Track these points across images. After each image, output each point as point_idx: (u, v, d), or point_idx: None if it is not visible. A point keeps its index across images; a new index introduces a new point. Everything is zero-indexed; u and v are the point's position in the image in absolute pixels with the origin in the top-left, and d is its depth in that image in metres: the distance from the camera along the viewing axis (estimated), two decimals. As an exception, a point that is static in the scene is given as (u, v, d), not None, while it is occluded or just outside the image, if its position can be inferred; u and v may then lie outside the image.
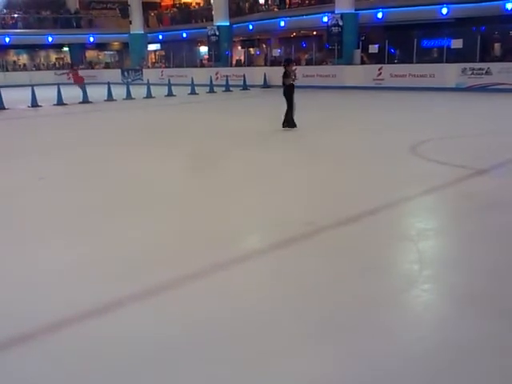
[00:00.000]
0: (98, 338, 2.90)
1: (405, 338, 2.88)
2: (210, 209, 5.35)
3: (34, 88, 18.20)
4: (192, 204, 5.57)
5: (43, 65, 36.08)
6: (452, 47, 19.46)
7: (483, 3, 19.75)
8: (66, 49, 37.43)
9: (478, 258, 3.94)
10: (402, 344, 2.82)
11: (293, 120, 10.32)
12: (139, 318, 3.12)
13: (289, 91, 10.28)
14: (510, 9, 19.25)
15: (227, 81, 23.49)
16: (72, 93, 19.60)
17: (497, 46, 21.36)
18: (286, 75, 10.34)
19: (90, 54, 37.97)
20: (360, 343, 2.80)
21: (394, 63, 21.51)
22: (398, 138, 9.25)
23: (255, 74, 24.80)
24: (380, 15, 22.70)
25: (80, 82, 20.13)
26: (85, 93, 18.77)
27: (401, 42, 21.98)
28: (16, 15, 32.66)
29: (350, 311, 3.15)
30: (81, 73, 22.36)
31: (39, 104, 17.76)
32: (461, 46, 18.94)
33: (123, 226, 4.88)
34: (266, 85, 24.11)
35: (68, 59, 37.04)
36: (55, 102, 18.11)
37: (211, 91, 22.57)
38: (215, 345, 2.81)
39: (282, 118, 10.37)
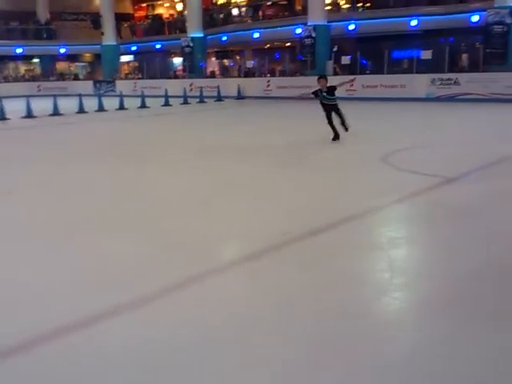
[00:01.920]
0: (75, 352, 2.81)
1: (376, 345, 2.85)
2: (183, 220, 5.28)
3: (2, 100, 17.85)
4: (169, 215, 5.50)
5: (12, 76, 35.47)
6: (422, 58, 19.83)
7: (451, 15, 20.25)
8: (36, 60, 36.93)
9: (449, 266, 3.96)
10: (373, 352, 2.79)
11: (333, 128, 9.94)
12: (115, 332, 3.03)
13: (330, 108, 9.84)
14: (475, 21, 19.73)
15: (201, 92, 23.47)
16: (42, 105, 19.29)
17: (464, 56, 21.87)
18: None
19: (61, 66, 37.51)
20: (333, 352, 2.77)
21: (366, 74, 21.79)
22: (370, 148, 9.33)
23: (229, 86, 24.83)
24: (352, 27, 23.02)
25: None
26: None
27: (372, 54, 22.30)
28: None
29: (323, 320, 3.12)
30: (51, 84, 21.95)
31: (7, 117, 17.39)
32: (430, 57, 19.33)
33: (99, 239, 4.77)
34: (240, 96, 24.17)
35: (38, 71, 36.53)
36: (24, 115, 17.77)
37: (185, 103, 22.51)
38: (187, 360, 2.74)
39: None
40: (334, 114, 9.96)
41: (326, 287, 3.59)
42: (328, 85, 10.06)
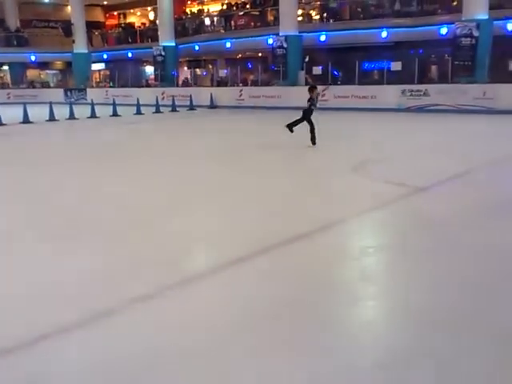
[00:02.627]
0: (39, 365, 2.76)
1: (347, 354, 2.88)
2: (152, 229, 5.25)
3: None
4: (142, 223, 5.45)
5: (-20, 84, 34.87)
6: (392, 69, 20.18)
7: (420, 28, 20.70)
8: (5, 67, 36.30)
9: (421, 274, 4.03)
10: (345, 360, 2.82)
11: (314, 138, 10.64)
12: (85, 344, 2.99)
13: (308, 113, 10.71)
14: (444, 33, 20.22)
15: (173, 101, 23.39)
16: (12, 113, 18.96)
17: (433, 68, 22.35)
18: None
19: (32, 73, 36.94)
20: (305, 360, 2.79)
21: (338, 84, 22.06)
22: (340, 158, 9.45)
23: (202, 95, 24.82)
24: (323, 38, 23.32)
25: None
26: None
27: (343, 64, 22.61)
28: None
29: (297, 330, 3.13)
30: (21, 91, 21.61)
31: (-25, 124, 17.09)
32: (400, 69, 19.68)
33: (70, 250, 4.70)
34: (212, 105, 24.18)
35: (8, 78, 35.90)
36: (-8, 123, 17.45)
37: (157, 111, 22.40)
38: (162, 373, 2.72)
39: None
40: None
41: (301, 296, 3.61)
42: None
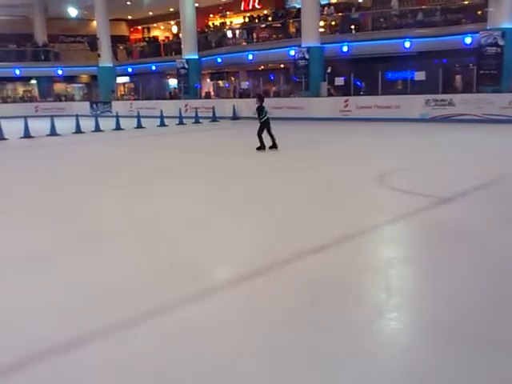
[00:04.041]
0: (58, 375, 2.81)
1: (371, 366, 2.86)
2: (176, 240, 5.29)
3: (1, 120, 17.94)
4: (163, 235, 5.51)
5: (10, 97, 35.68)
6: (415, 79, 20.06)
7: (444, 37, 20.54)
8: (33, 81, 37.17)
9: (446, 287, 3.98)
10: (369, 373, 2.80)
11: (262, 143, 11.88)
12: (102, 355, 3.03)
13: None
14: (469, 43, 20.04)
15: (196, 113, 23.62)
16: (40, 126, 19.38)
17: (458, 77, 22.12)
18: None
19: (59, 87, 37.76)
20: (329, 373, 2.78)
21: (360, 95, 22.01)
22: (365, 168, 9.40)
23: (224, 106, 25.02)
24: (345, 49, 23.33)
25: None
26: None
27: (366, 75, 22.54)
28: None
29: (320, 341, 3.12)
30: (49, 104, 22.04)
31: (5, 137, 17.49)
32: (424, 78, 19.54)
33: (97, 258, 4.78)
34: (235, 116, 24.34)
35: (36, 92, 36.76)
36: (22, 135, 17.88)
37: (181, 123, 22.64)
38: None
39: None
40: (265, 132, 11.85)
41: (323, 308, 3.60)
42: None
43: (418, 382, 2.71)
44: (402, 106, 19.58)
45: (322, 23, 24.59)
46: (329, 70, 23.48)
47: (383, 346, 3.16)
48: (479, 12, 20.70)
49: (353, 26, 24.32)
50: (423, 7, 22.58)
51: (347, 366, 2.88)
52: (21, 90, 37.22)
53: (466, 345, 3.06)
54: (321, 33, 23.84)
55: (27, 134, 17.92)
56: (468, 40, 20.03)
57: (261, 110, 11.87)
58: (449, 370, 2.79)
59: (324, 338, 3.18)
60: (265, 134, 11.85)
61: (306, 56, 23.11)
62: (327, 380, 2.74)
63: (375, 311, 3.58)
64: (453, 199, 6.79)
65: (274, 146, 11.87)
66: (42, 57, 35.62)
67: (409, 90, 20.38)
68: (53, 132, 18.59)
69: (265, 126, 11.82)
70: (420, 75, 19.73)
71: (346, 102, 21.24)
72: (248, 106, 12.75)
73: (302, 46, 23.27)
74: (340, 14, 25.10)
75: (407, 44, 21.65)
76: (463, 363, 2.86)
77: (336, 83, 22.27)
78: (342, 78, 21.98)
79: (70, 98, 35.98)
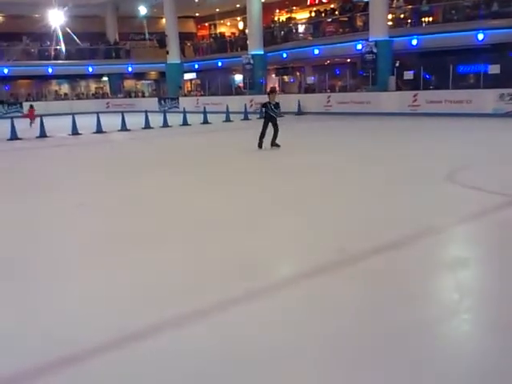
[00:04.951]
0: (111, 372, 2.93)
1: (444, 368, 2.80)
2: (233, 237, 5.37)
3: (75, 116, 18.80)
4: (226, 231, 5.61)
5: (83, 94, 37.27)
6: (489, 72, 19.23)
7: (520, 28, 19.57)
8: (105, 78, 38.63)
9: (521, 288, 3.83)
10: (441, 375, 2.74)
11: (261, 141, 11.64)
12: (154, 352, 3.14)
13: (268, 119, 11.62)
14: (547, 34, 18.99)
15: (261, 108, 23.68)
16: (111, 121, 20.14)
17: (535, 70, 20.99)
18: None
19: (129, 84, 39.04)
20: (399, 373, 2.75)
21: (430, 89, 21.36)
22: (435, 164, 9.14)
23: (289, 101, 24.95)
24: (415, 42, 22.69)
25: (32, 118, 21.52)
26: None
27: (436, 68, 21.83)
28: (58, 47, 33.99)
29: (390, 341, 3.09)
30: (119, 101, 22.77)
31: (79, 132, 18.32)
32: (498, 72, 18.70)
33: (153, 254, 4.94)
34: (300, 111, 24.27)
35: (107, 88, 38.19)
36: (94, 130, 18.66)
37: (246, 118, 22.82)
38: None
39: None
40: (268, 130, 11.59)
41: (393, 306, 3.56)
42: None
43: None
44: (475, 100, 18.83)
45: (390, 16, 24.03)
46: (397, 64, 22.94)
47: (453, 347, 3.08)
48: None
49: (423, 19, 23.62)
50: (498, -3, 21.57)
51: (412, 365, 2.84)
52: (93, 86, 38.79)
53: (546, 350, 2.93)
54: (389, 26, 23.31)
55: (99, 130, 18.69)
56: (546, 31, 18.98)
57: (276, 106, 11.65)
58: (527, 375, 2.69)
59: (396, 336, 3.14)
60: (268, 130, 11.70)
61: (374, 50, 22.67)
62: (394, 381, 2.71)
63: (444, 312, 3.49)
64: (530, 198, 6.49)
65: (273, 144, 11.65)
66: (114, 54, 36.94)
67: (482, 83, 19.57)
68: (123, 127, 19.27)
69: (269, 121, 11.58)
70: (494, 68, 18.89)
71: (415, 96, 20.69)
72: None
73: (370, 39, 22.85)
74: (410, 6, 24.42)
75: (480, 36, 20.76)
76: (542, 369, 2.75)
77: (405, 77, 21.73)
78: (411, 72, 21.42)
79: (139, 95, 37.12)
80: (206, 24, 42.05)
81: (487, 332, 3.26)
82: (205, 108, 23.01)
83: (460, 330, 3.29)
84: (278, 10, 34.73)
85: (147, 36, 37.27)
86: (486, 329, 3.30)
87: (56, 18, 30.74)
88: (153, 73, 39.53)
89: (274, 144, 11.64)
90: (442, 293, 3.89)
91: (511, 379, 2.68)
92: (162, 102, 32.39)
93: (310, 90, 26.96)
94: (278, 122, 11.69)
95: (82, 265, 4.66)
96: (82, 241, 5.41)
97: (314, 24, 28.63)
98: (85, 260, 4.78)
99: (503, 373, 2.73)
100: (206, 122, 21.55)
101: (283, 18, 33.65)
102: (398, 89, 22.45)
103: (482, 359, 2.93)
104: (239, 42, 33.33)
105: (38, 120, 18.90)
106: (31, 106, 23.43)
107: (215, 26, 41.43)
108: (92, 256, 4.88)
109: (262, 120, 11.91)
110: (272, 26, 32.23)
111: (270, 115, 11.53)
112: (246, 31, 31.06)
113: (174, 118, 21.59)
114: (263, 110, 11.81)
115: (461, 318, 3.40)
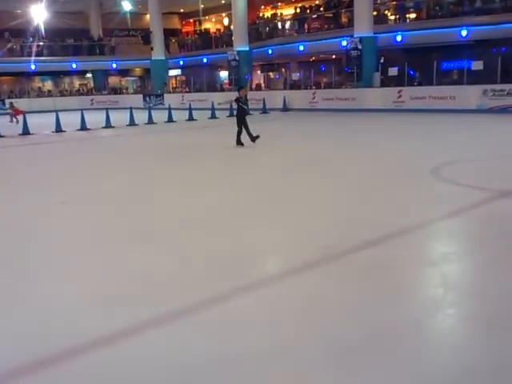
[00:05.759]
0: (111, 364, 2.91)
1: (428, 363, 2.81)
2: (221, 232, 5.36)
3: (59, 113, 18.60)
4: (213, 227, 5.59)
5: (66, 91, 36.88)
6: (472, 69, 19.38)
7: (503, 25, 19.70)
8: (89, 75, 38.27)
9: (504, 283, 3.86)
10: (425, 369, 2.75)
11: (239, 139, 11.77)
12: (153, 345, 3.12)
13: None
14: (530, 30, 19.17)
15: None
16: (95, 118, 19.96)
17: (517, 67, 21.20)
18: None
19: (113, 80, 38.71)
20: (384, 369, 2.76)
21: (414, 85, 21.49)
22: (419, 160, 9.20)
23: (275, 98, 24.98)
24: (399, 38, 22.79)
25: (18, 115, 21.32)
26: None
27: (420, 65, 21.96)
28: (41, 43, 33.56)
29: (374, 336, 3.10)
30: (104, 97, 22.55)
31: (63, 129, 18.12)
32: (481, 68, 18.86)
33: (147, 250, 4.91)
34: (285, 108, 24.28)
35: (91, 85, 37.83)
36: (79, 127, 18.46)
37: (232, 115, 22.72)
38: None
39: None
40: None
41: (378, 302, 3.57)
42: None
43: (474, 379, 2.65)
44: (458, 96, 18.98)
45: (375, 13, 24.08)
46: (381, 60, 23.03)
47: (439, 342, 3.10)
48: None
49: (407, 15, 23.72)
50: (481, -6, 21.74)
51: (403, 363, 2.85)
52: (77, 83, 38.41)
53: (529, 344, 2.96)
54: (374, 22, 23.38)
55: (84, 127, 18.50)
56: (529, 27, 19.15)
57: (245, 99, 12.05)
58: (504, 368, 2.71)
59: (380, 332, 3.15)
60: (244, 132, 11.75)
61: (359, 46, 22.73)
62: (385, 378, 2.72)
63: (432, 306, 3.51)
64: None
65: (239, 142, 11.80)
66: (98, 51, 36.59)
67: (465, 80, 19.72)
68: (108, 124, 19.10)
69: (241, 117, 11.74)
70: (477, 65, 19.05)
71: (399, 92, 20.80)
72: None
73: (355, 35, 22.91)
74: (394, 2, 24.51)
75: (464, 32, 20.91)
76: (525, 362, 2.77)
77: (389, 73, 21.82)
78: (396, 69, 21.52)
79: (123, 91, 36.83)
80: (191, 20, 41.81)
81: (472, 326, 3.28)
82: (190, 105, 22.91)
83: (445, 326, 3.31)
84: (263, 6, 34.63)
85: (131, 32, 36.96)
86: (470, 323, 3.33)
87: (39, 14, 30.37)
88: (137, 69, 39.24)
89: (239, 142, 11.76)
90: (428, 288, 3.90)
91: (496, 374, 2.69)
92: (147, 98, 32.17)
93: (295, 86, 26.97)
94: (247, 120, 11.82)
95: (57, 264, 4.61)
96: (58, 240, 5.36)
97: (299, 20, 28.60)
98: (63, 259, 4.74)
99: (483, 366, 2.75)
100: (191, 118, 21.46)
101: (268, 14, 33.57)
102: (383, 85, 22.54)
103: (466, 353, 2.95)
104: (224, 39, 33.20)
105: (21, 117, 18.69)
106: (11, 104, 23.17)
107: (200, 22, 41.18)
108: (74, 255, 4.83)
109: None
110: (257, 22, 32.16)
111: (241, 109, 11.77)
112: (231, 27, 30.95)
113: (159, 115, 21.46)
114: (236, 103, 11.96)
115: (445, 313, 3.42)
